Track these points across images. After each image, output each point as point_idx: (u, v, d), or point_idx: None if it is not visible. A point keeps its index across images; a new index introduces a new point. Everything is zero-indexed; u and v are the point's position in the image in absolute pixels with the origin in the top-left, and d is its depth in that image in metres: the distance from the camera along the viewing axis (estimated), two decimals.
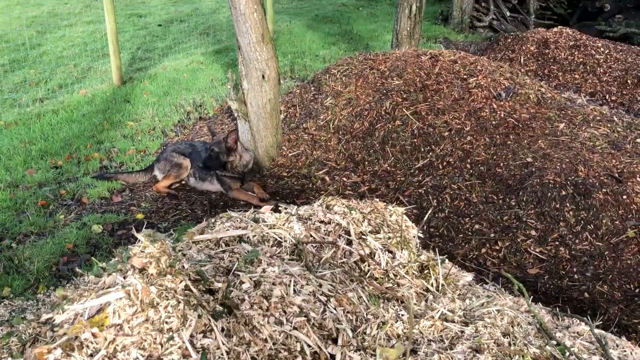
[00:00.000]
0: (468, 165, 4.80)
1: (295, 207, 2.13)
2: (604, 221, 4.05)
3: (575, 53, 7.34)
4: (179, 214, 4.56)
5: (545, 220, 4.15)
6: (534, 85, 5.74)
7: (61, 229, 4.32)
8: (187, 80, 8.19)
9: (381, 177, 4.95)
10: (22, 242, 4.14)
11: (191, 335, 1.34)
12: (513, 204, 4.32)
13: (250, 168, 4.88)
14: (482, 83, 5.52)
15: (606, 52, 7.34)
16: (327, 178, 4.97)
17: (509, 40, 8.06)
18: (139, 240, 1.56)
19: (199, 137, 6.06)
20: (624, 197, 4.15)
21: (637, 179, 4.30)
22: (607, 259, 3.85)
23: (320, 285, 1.60)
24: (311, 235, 1.94)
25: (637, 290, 3.64)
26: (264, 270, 1.53)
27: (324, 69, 6.24)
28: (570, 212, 4.14)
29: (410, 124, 5.18)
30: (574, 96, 6.00)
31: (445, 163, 4.89)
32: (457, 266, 2.41)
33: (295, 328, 1.42)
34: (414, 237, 2.38)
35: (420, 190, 4.69)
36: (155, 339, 1.33)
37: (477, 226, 4.25)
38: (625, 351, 2.07)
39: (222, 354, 1.32)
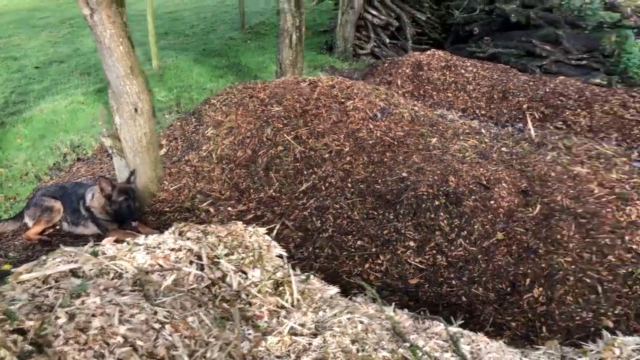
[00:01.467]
0: (349, 185, 4.90)
1: (143, 236, 2.04)
2: (475, 227, 4.26)
3: (447, 73, 7.81)
4: None
5: (422, 230, 4.30)
6: (407, 105, 6.01)
7: None
8: (66, 121, 7.80)
9: (266, 203, 4.93)
10: None
11: None
12: (392, 217, 4.45)
13: None
14: (358, 105, 5.71)
15: (474, 70, 7.87)
16: (211, 209, 4.87)
17: (386, 64, 8.44)
18: None
19: (76, 178, 5.75)
20: (492, 202, 4.40)
21: (503, 184, 4.58)
22: (481, 262, 4.04)
23: (155, 313, 1.53)
24: (157, 264, 1.86)
25: (508, 289, 3.83)
26: (82, 302, 1.43)
27: (204, 100, 6.19)
28: (445, 221, 4.32)
29: (292, 149, 5.22)
30: (446, 112, 6.35)
31: (327, 184, 4.96)
32: (323, 281, 2.41)
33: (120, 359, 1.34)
34: (278, 255, 2.35)
35: (304, 213, 4.71)
36: None
37: (359, 242, 4.32)
38: (479, 345, 2.14)
39: None
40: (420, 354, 1.89)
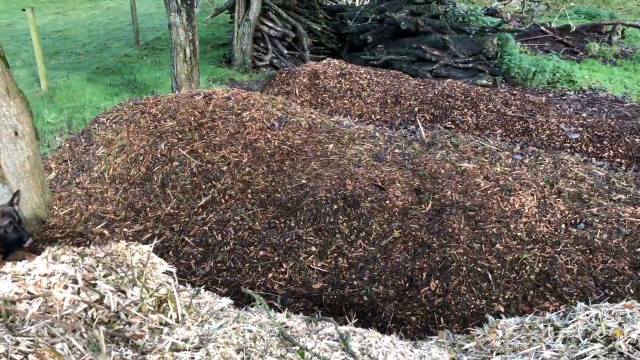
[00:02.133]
0: (249, 195, 4.87)
1: (10, 264, 1.91)
2: (373, 227, 4.38)
3: (342, 81, 8.00)
4: None
5: (322, 235, 4.35)
6: (305, 113, 6.08)
7: None
8: None
9: (164, 221, 4.78)
10: None
11: None
12: (293, 224, 4.47)
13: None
14: (255, 116, 5.70)
15: (368, 77, 8.13)
16: (105, 232, 4.66)
17: (284, 74, 8.52)
18: None
19: None
20: (387, 202, 4.54)
21: (397, 184, 4.75)
22: (380, 261, 4.15)
23: (17, 344, 1.43)
24: (27, 291, 1.75)
25: (407, 285, 3.96)
26: None
27: (93, 118, 5.92)
28: (344, 224, 4.41)
29: (188, 163, 5.11)
30: (342, 119, 6.50)
31: (227, 197, 4.90)
32: (215, 294, 2.37)
33: None
34: (166, 272, 2.28)
35: (204, 228, 4.62)
36: None
37: (262, 252, 4.30)
38: (369, 342, 2.19)
39: None
40: (309, 355, 1.90)
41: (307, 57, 11.59)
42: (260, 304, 1.91)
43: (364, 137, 5.73)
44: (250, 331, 1.89)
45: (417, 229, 4.30)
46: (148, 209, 4.88)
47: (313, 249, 4.27)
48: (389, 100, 7.54)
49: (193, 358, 1.62)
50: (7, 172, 4.62)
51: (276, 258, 4.24)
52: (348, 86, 7.92)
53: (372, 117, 7.31)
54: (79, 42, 15.23)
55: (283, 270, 4.16)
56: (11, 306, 1.64)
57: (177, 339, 1.72)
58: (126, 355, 1.63)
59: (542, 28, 13.83)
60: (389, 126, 6.96)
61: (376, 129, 6.20)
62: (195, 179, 5.04)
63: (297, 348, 1.93)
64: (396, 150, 5.43)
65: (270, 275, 4.13)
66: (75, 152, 5.58)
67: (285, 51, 11.75)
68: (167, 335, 1.75)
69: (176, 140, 5.30)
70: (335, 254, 4.23)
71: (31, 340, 1.47)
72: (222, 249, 4.38)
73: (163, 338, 1.74)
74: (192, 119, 5.55)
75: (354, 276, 4.07)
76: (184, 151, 5.19)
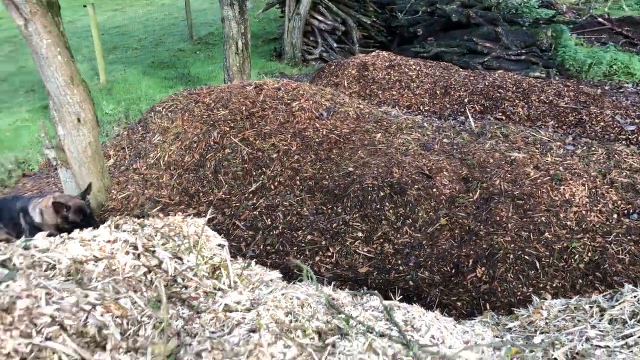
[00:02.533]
0: (298, 182, 4.97)
1: (77, 230, 2.07)
2: (419, 214, 4.40)
3: (391, 72, 8.00)
4: None
5: (369, 221, 4.41)
6: (352, 103, 6.14)
7: None
8: (10, 139, 7.64)
9: (217, 206, 4.95)
10: None
11: None
12: (340, 211, 4.54)
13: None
14: (304, 106, 5.80)
15: (417, 68, 8.10)
16: (161, 215, 4.84)
17: (333, 67, 8.59)
18: None
19: (22, 194, 5.64)
20: (434, 190, 4.56)
21: (444, 173, 4.75)
22: (426, 247, 4.17)
23: (86, 296, 1.57)
24: (92, 255, 1.89)
25: (453, 271, 3.98)
26: (7, 286, 1.46)
27: (150, 108, 6.17)
28: (390, 210, 4.45)
29: (240, 151, 5.27)
30: (390, 109, 6.52)
31: (276, 183, 5.02)
32: (265, 267, 2.47)
33: (48, 339, 1.37)
34: (218, 245, 2.40)
35: (255, 212, 4.75)
36: None
37: (309, 237, 4.40)
38: (413, 315, 2.24)
39: None
40: (353, 323, 1.97)
41: (356, 51, 11.62)
42: (307, 273, 2.00)
43: (412, 126, 5.74)
44: (298, 298, 1.98)
45: (464, 217, 4.30)
46: (201, 194, 5.06)
47: (359, 234, 4.34)
48: (438, 92, 7.50)
49: (244, 318, 1.72)
50: (70, 157, 4.89)
51: (323, 242, 4.33)
52: (397, 77, 7.92)
53: (421, 108, 7.29)
54: (136, 37, 15.77)
55: (330, 254, 4.24)
56: (80, 266, 1.79)
57: (230, 302, 1.83)
58: (183, 313, 1.75)
59: (600, 19, 13.35)
60: (438, 117, 6.93)
61: (424, 119, 6.19)
62: (246, 165, 5.19)
63: (343, 316, 2.01)
64: (444, 140, 5.42)
65: (317, 258, 4.22)
66: (133, 139, 5.83)
67: (335, 45, 11.82)
68: (221, 298, 1.86)
69: (228, 129, 5.46)
70: (381, 240, 4.28)
71: (99, 294, 1.61)
72: (271, 233, 4.50)
73: (217, 300, 1.85)
74: (244, 108, 5.70)
75: (399, 261, 4.11)
76: (235, 139, 5.35)
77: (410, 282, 3.94)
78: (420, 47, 11.05)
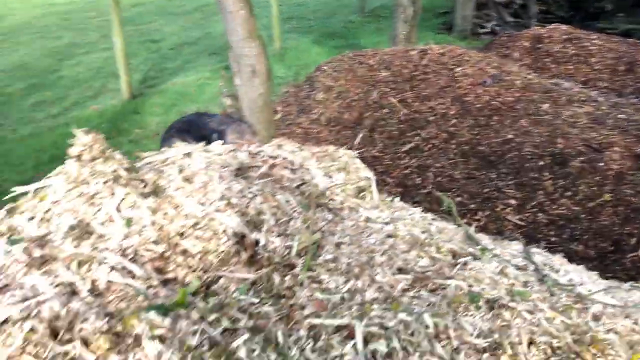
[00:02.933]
0: (452, 146, 4.94)
1: (246, 144, 2.34)
2: (580, 187, 4.14)
3: (569, 46, 7.45)
4: None
5: (524, 189, 4.26)
6: (520, 73, 5.89)
7: None
8: (194, 94, 8.54)
9: (369, 162, 5.10)
10: None
11: (119, 207, 1.54)
12: (493, 177, 4.44)
13: None
14: (468, 72, 5.70)
15: (600, 43, 7.43)
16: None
17: (504, 38, 8.23)
18: (76, 136, 1.78)
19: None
20: (601, 164, 4.24)
21: (615, 148, 4.39)
22: (583, 221, 3.93)
23: (250, 187, 1.79)
24: (256, 164, 2.14)
25: (611, 248, 3.71)
26: (189, 165, 1.73)
27: (317, 67, 6.50)
28: (549, 181, 4.25)
29: (397, 111, 5.36)
30: (561, 81, 6.12)
31: (430, 145, 5.04)
32: (406, 204, 2.56)
33: (217, 211, 1.61)
34: (366, 178, 2.54)
35: (405, 171, 4.84)
36: (86, 207, 1.54)
37: (458, 199, 4.37)
38: (553, 261, 2.20)
39: (145, 224, 1.51)
40: (489, 255, 2.00)
41: (532, 25, 10.92)
42: (449, 204, 2.05)
43: (585, 100, 5.35)
44: (436, 225, 2.05)
45: (632, 195, 3.96)
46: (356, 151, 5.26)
47: (512, 201, 4.21)
48: (621, 68, 6.83)
49: (382, 228, 1.84)
50: (244, 105, 5.37)
51: (472, 206, 4.28)
52: (574, 51, 7.35)
53: (599, 84, 6.71)
54: (311, 9, 16.47)
55: (477, 217, 4.18)
56: (246, 167, 2.05)
57: (371, 215, 1.96)
58: (327, 217, 1.92)
59: None
60: (617, 95, 6.34)
61: (600, 94, 5.73)
62: (401, 126, 5.27)
63: (479, 246, 2.04)
64: (620, 116, 4.98)
65: (464, 220, 4.18)
66: (299, 97, 6.22)
67: (509, 18, 11.25)
68: (363, 211, 2.00)
69: (388, 90, 5.58)
70: (536, 209, 4.12)
71: (259, 188, 1.84)
72: (419, 192, 4.56)
73: (359, 213, 1.99)
74: (406, 71, 5.77)
75: (552, 232, 3.93)
76: (394, 99, 5.44)
77: (562, 254, 3.75)
78: (609, 23, 10.09)
